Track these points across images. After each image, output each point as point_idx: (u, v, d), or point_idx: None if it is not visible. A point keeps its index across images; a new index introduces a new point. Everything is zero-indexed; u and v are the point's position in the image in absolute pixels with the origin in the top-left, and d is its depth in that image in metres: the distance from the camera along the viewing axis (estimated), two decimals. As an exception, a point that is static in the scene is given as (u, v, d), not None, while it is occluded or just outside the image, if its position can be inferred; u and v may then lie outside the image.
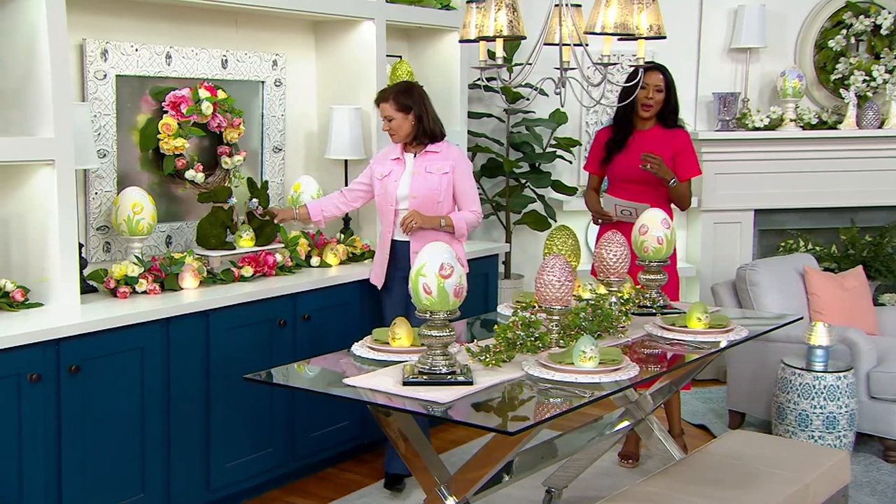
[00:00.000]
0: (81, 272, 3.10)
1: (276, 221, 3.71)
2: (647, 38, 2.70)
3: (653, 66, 3.72)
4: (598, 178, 3.96)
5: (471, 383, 2.38)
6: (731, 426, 4.31)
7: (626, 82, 3.31)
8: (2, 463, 2.66)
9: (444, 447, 3.99)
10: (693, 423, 4.38)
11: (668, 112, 3.80)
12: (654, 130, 3.82)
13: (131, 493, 3.02)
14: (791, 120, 5.12)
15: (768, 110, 5.17)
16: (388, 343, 2.72)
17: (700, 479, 2.68)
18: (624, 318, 2.93)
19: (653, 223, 3.22)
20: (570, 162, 5.18)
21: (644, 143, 3.80)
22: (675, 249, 3.87)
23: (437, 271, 2.36)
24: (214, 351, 3.24)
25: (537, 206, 5.07)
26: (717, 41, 5.22)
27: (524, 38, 2.67)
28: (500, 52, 2.70)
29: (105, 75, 3.35)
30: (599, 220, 3.88)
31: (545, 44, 2.75)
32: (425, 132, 3.54)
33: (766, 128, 5.10)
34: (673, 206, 3.84)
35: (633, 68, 2.69)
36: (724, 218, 5.16)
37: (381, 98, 3.55)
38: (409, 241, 3.57)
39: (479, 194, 4.31)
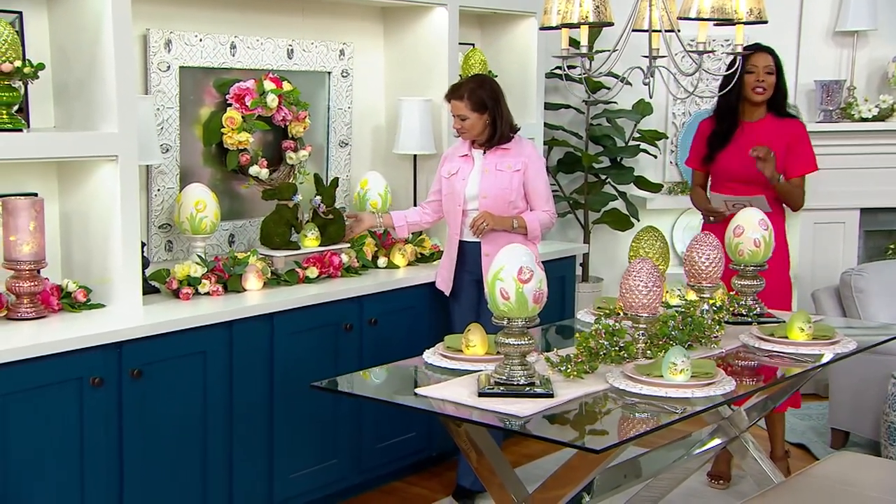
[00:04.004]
0: (143, 272, 3.20)
1: (354, 234, 3.77)
2: (746, 24, 2.64)
3: (759, 48, 3.66)
4: (702, 175, 3.87)
5: (551, 395, 2.38)
6: (833, 446, 4.20)
7: (729, 70, 3.25)
8: (64, 468, 2.76)
9: (518, 461, 3.98)
10: (791, 441, 4.28)
11: (780, 98, 3.71)
12: (766, 121, 3.72)
13: (192, 502, 3.10)
14: (903, 110, 4.97)
15: (877, 99, 5.02)
16: (461, 351, 2.74)
17: (802, 504, 2.62)
18: (717, 327, 2.89)
19: (749, 224, 3.16)
20: (655, 156, 5.12)
21: (753, 135, 3.70)
22: (787, 254, 3.78)
23: (515, 275, 2.36)
24: (278, 356, 3.30)
25: (618, 205, 5.02)
26: (819, 23, 5.08)
27: (611, 24, 2.65)
28: (584, 40, 2.68)
29: (168, 67, 3.45)
30: (711, 218, 3.80)
31: (633, 30, 2.72)
32: (499, 135, 3.54)
33: (874, 119, 4.96)
34: (784, 205, 3.76)
35: (732, 56, 2.66)
36: (826, 217, 5.02)
37: (455, 94, 3.54)
38: (479, 243, 3.58)
39: (556, 191, 4.30)
